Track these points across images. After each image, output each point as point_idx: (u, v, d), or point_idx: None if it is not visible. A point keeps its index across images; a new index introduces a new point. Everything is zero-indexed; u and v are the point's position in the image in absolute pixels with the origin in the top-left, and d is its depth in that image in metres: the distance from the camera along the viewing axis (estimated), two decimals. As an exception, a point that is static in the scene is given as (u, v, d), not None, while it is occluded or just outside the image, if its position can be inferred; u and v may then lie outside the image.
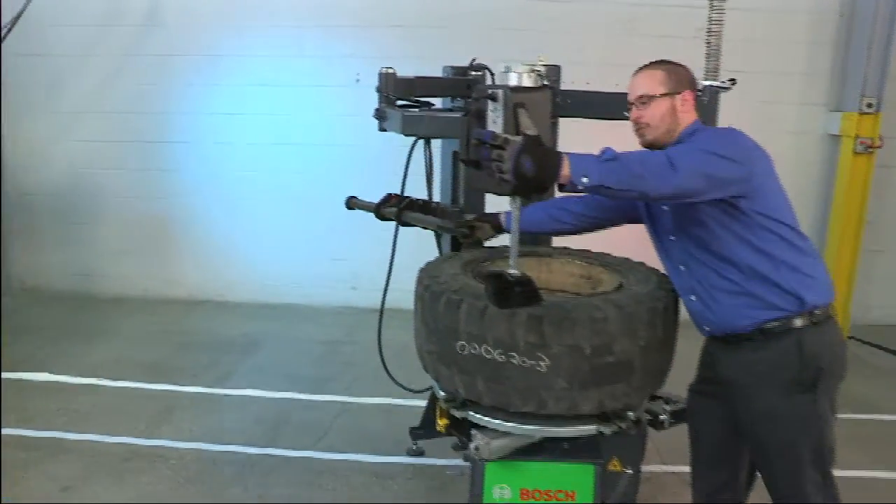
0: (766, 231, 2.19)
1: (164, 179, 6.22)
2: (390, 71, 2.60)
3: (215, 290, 6.31)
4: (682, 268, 2.35)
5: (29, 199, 6.32)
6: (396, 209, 2.76)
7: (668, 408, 2.68)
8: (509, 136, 1.86)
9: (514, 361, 2.18)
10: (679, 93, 2.28)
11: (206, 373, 4.78)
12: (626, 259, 2.80)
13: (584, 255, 2.85)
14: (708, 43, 2.84)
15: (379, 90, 2.63)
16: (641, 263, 2.75)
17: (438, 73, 3.34)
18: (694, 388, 2.58)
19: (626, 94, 3.17)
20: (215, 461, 3.69)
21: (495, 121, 1.91)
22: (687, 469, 2.67)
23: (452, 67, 3.30)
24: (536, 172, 1.84)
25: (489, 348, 2.20)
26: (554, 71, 3.15)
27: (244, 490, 3.44)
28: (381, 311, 3.39)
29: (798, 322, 2.22)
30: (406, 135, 2.47)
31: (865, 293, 6.02)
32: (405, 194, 2.93)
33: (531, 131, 1.86)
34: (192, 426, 4.04)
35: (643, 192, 1.98)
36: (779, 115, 5.80)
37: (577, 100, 3.09)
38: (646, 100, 2.30)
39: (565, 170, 1.89)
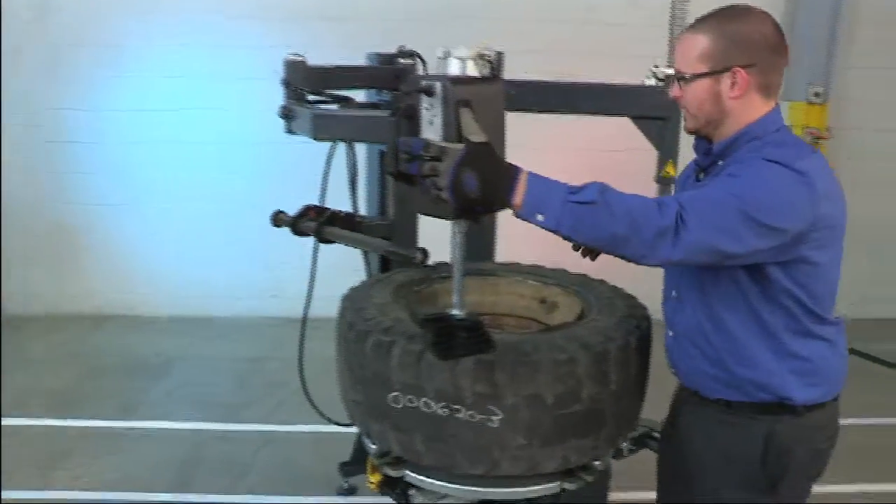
0: (786, 312, 1.68)
1: (66, 183, 5.58)
2: (299, 59, 2.12)
3: (127, 304, 5.71)
4: (674, 293, 1.89)
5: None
6: (316, 224, 2.33)
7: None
8: (447, 145, 1.44)
9: (460, 416, 1.78)
10: (728, 69, 1.62)
11: (115, 402, 4.22)
12: (585, 276, 2.43)
13: (537, 272, 2.47)
14: (671, 29, 2.49)
15: (285, 83, 2.15)
16: (602, 282, 2.38)
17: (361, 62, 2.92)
18: (664, 431, 2.11)
19: (581, 84, 2.83)
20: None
21: (431, 121, 1.49)
22: (644, 496, 2.27)
23: (378, 54, 2.87)
24: (483, 192, 1.43)
25: (429, 401, 1.79)
26: (496, 58, 2.76)
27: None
28: (302, 336, 2.95)
29: (772, 409, 1.75)
30: (318, 139, 1.99)
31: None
32: (326, 206, 2.49)
33: (477, 137, 1.45)
34: (93, 470, 3.51)
35: (621, 255, 1.54)
36: (724, 105, 5.54)
37: (524, 91, 2.70)
38: (681, 77, 1.70)
39: (518, 196, 1.47)
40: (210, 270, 5.68)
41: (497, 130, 1.55)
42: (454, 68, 1.54)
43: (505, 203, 1.48)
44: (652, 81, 2.63)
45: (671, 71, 2.58)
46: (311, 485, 3.40)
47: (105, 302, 5.73)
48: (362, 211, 2.72)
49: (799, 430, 1.76)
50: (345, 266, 2.83)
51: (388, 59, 2.83)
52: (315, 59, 2.52)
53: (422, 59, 2.88)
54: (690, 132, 1.80)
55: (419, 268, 2.21)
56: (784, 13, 5.46)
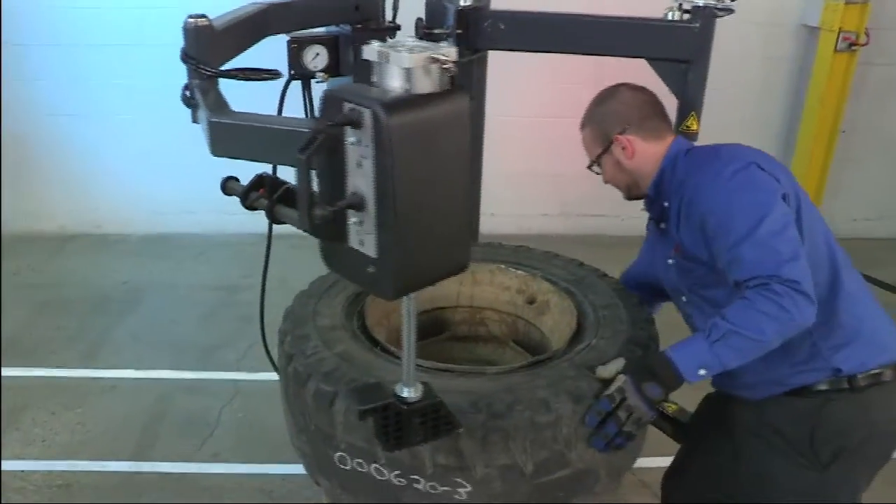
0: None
1: (21, 91, 5.04)
2: (202, 23, 1.56)
3: (91, 221, 5.31)
4: (683, 298, 1.87)
5: None
6: (268, 202, 1.88)
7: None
8: (619, 384, 1.53)
9: (419, 487, 1.44)
10: (612, 142, 1.86)
11: (72, 347, 3.90)
12: (581, 265, 2.03)
13: (524, 258, 2.07)
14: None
15: (186, 58, 1.62)
16: (603, 277, 1.98)
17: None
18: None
19: (585, 18, 2.32)
20: (70, 485, 2.95)
21: (360, 163, 1.04)
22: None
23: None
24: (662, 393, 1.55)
25: (381, 468, 1.45)
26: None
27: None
28: (262, 301, 2.58)
29: (825, 385, 1.66)
30: (216, 155, 1.49)
31: (830, 206, 5.36)
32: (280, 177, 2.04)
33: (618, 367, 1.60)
34: (44, 432, 3.24)
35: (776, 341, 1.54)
36: (744, 2, 4.90)
37: (514, 26, 2.22)
38: (590, 165, 1.95)
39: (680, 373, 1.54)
40: (181, 184, 5.20)
41: (460, 171, 1.09)
42: (395, 80, 1.06)
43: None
44: (676, 15, 2.15)
45: (701, 3, 2.15)
46: (282, 449, 3.10)
47: (68, 220, 5.34)
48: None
49: (858, 408, 1.65)
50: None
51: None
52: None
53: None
54: (630, 200, 1.95)
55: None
56: None
